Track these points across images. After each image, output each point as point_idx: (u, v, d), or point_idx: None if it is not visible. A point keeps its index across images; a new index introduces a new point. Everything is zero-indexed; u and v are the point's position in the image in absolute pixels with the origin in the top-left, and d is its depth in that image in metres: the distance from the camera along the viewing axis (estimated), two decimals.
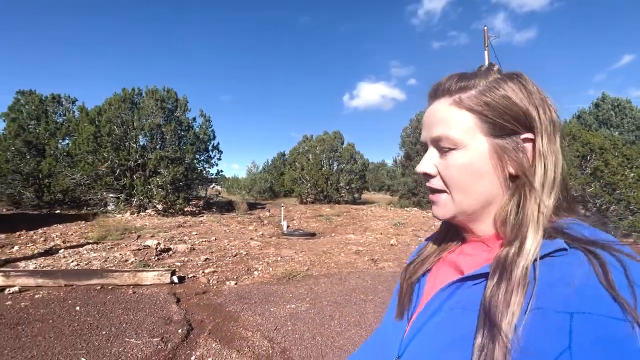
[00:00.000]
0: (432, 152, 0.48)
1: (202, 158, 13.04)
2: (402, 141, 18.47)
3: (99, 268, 4.63)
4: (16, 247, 5.96)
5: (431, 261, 0.55)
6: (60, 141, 11.84)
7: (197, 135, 12.51)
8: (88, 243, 6.37)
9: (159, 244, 5.97)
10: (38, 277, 4.06)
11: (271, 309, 3.56)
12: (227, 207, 15.32)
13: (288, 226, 10.94)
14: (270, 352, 2.65)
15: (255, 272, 4.90)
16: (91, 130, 10.51)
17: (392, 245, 6.99)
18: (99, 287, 4.07)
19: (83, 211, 12.14)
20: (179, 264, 5.30)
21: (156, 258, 5.53)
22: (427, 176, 0.48)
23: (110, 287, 4.10)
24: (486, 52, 14.66)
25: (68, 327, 2.99)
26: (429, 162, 0.48)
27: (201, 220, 10.42)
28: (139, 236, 7.30)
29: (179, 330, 3.00)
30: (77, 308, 3.43)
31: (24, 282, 4.01)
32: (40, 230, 7.42)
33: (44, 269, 4.63)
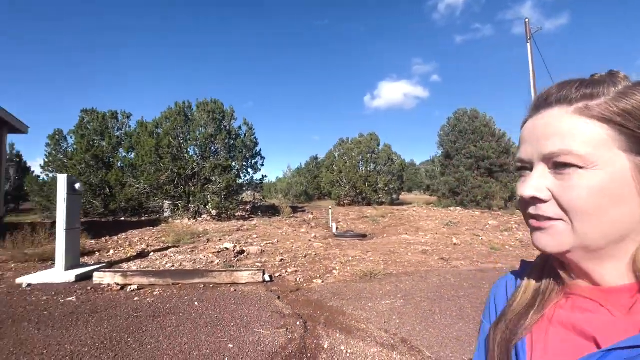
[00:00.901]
0: (541, 171, 0.39)
1: (249, 164, 13.61)
2: (441, 140, 18.21)
3: (199, 269, 5.07)
4: (111, 251, 6.63)
5: (532, 318, 0.42)
6: (125, 154, 12.84)
7: (244, 143, 13.10)
8: (170, 247, 6.93)
9: (235, 246, 6.39)
10: (150, 276, 4.54)
11: (369, 305, 3.78)
12: (271, 210, 15.85)
13: (337, 228, 11.19)
14: (392, 341, 2.86)
15: (335, 272, 5.15)
16: (152, 143, 11.34)
17: (455, 244, 7.01)
18: (203, 286, 4.49)
19: (144, 218, 13.10)
20: (259, 264, 5.67)
21: (236, 259, 5.95)
22: (536, 200, 0.39)
23: (211, 286, 4.51)
24: (529, 45, 14.21)
25: (200, 319, 3.36)
26: (539, 184, 0.38)
27: (255, 224, 10.90)
28: (208, 240, 7.82)
29: (297, 323, 3.28)
30: (196, 303, 3.84)
31: (139, 281, 4.50)
32: (122, 236, 8.15)
33: (147, 269, 5.14)
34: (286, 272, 5.20)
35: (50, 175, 14.18)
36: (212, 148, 12.50)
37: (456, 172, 16.36)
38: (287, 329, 3.13)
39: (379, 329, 3.10)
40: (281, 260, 5.94)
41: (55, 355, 2.66)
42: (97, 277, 4.51)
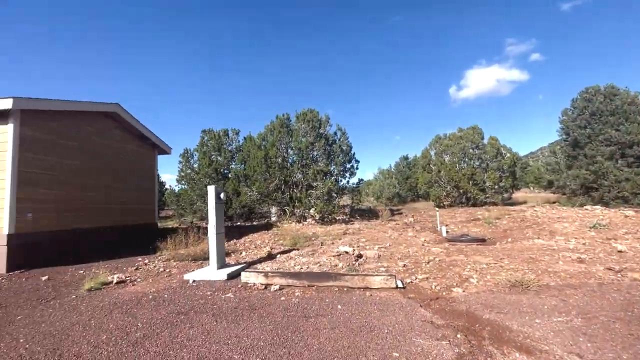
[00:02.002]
0: None
1: (345, 168, 13.79)
2: (565, 126, 15.34)
3: (331, 272, 5.22)
4: (243, 253, 7.43)
5: None
6: (238, 165, 14.48)
7: (340, 147, 13.35)
8: (291, 249, 7.40)
9: (353, 250, 6.44)
10: (288, 277, 4.85)
11: (536, 321, 3.25)
12: (368, 214, 15.74)
13: (447, 231, 10.37)
14: None
15: (472, 280, 4.67)
16: (261, 155, 12.47)
17: (620, 252, 5.67)
18: (337, 289, 4.58)
19: (255, 222, 14.50)
20: (382, 269, 5.55)
21: (357, 263, 5.96)
22: None
23: (345, 289, 4.57)
24: None
25: (350, 323, 3.39)
26: None
27: (358, 228, 10.93)
28: (322, 243, 8.10)
29: (457, 335, 3.02)
30: (339, 307, 3.91)
31: (279, 281, 4.86)
32: (248, 239, 9.09)
33: (279, 270, 5.53)
34: (416, 278, 4.94)
35: (181, 187, 16.96)
36: (312, 155, 13.07)
37: (590, 163, 13.52)
38: (449, 342, 2.89)
39: (568, 352, 2.60)
40: (404, 265, 5.71)
41: (238, 345, 2.98)
42: (244, 277, 5.03)
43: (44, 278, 5.56)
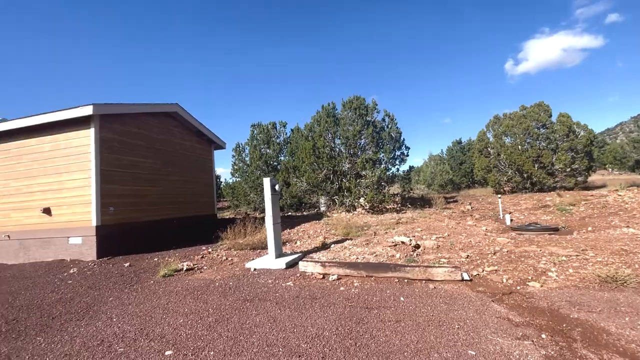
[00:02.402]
0: None
1: (395, 156, 13.32)
2: None
3: (389, 263, 5.10)
4: (298, 242, 7.58)
5: None
6: (287, 157, 14.79)
7: (389, 134, 12.90)
8: (344, 239, 7.38)
9: (410, 240, 6.20)
10: (345, 267, 4.82)
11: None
12: (420, 202, 15.12)
13: (511, 220, 9.55)
14: None
15: (551, 274, 4.21)
16: (309, 146, 12.55)
17: None
18: (397, 280, 4.44)
19: (305, 212, 14.76)
20: (444, 260, 5.27)
21: (415, 254, 5.73)
22: None
23: (405, 280, 4.41)
24: None
25: (416, 317, 3.25)
26: None
27: (412, 217, 10.54)
28: (375, 233, 7.95)
29: (542, 335, 2.73)
30: (402, 299, 3.78)
31: (336, 271, 4.85)
32: (300, 229, 9.28)
33: (335, 260, 5.53)
34: (483, 270, 4.60)
35: (235, 180, 17.85)
36: (360, 143, 12.83)
37: None
38: (532, 342, 2.62)
39: None
40: (467, 256, 5.35)
41: (304, 334, 3.02)
42: (302, 266, 5.11)
43: (126, 264, 6.23)
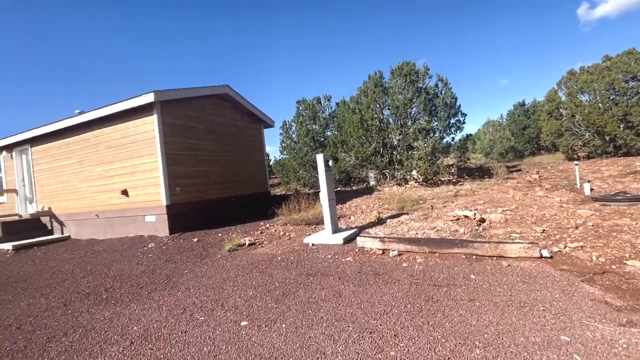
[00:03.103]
0: None
1: (451, 124, 12.38)
2: None
3: (454, 238, 4.84)
4: (352, 217, 7.56)
5: None
6: (334, 132, 14.60)
7: (445, 101, 11.95)
8: (399, 214, 7.17)
9: (475, 214, 5.80)
10: (406, 243, 4.67)
11: None
12: (478, 172, 14.09)
13: (592, 189, 8.45)
14: None
15: None
16: (357, 119, 12.17)
17: None
18: (464, 257, 4.19)
19: (354, 187, 14.64)
20: (515, 235, 4.84)
21: (480, 229, 5.35)
22: None
23: (474, 257, 4.14)
24: None
25: (493, 297, 3.03)
26: None
27: (471, 189, 9.87)
28: (432, 207, 7.59)
29: None
30: (473, 277, 3.55)
31: (397, 247, 4.72)
32: (352, 204, 9.23)
33: (393, 235, 5.39)
34: (565, 247, 4.13)
35: (284, 157, 18.21)
36: (411, 113, 12.12)
37: None
38: None
39: None
40: (543, 231, 4.85)
41: (372, 310, 2.99)
42: (360, 241, 5.07)
43: (194, 240, 6.76)
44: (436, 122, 11.94)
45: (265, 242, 6.17)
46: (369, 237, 5.01)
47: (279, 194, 15.99)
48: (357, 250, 4.96)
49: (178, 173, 7.57)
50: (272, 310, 3.25)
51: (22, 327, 3.50)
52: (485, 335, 2.41)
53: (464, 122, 12.75)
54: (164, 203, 7.16)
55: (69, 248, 7.51)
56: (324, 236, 5.69)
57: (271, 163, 23.52)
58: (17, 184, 10.13)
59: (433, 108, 12.08)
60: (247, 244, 6.07)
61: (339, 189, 14.82)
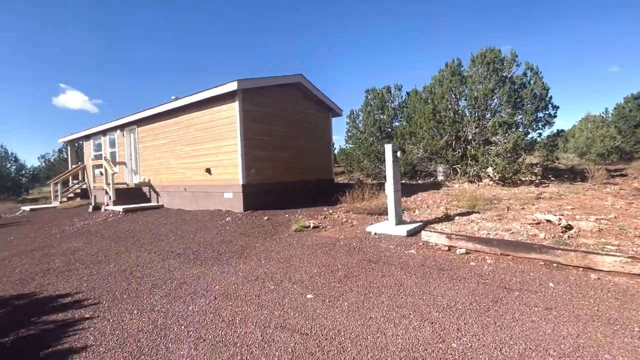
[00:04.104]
0: None
1: (539, 118, 11.02)
2: None
3: (532, 243, 4.48)
4: (416, 211, 7.40)
5: None
6: (403, 122, 14.18)
7: (533, 92, 10.66)
8: (469, 212, 6.79)
9: (560, 219, 5.21)
10: (476, 242, 4.45)
11: None
12: (568, 174, 12.35)
13: None
14: None
15: None
16: (428, 110, 11.61)
17: None
18: (543, 263, 3.86)
19: (419, 181, 14.11)
20: (611, 247, 4.25)
21: (566, 236, 4.80)
22: None
23: (555, 265, 3.78)
24: None
25: (574, 308, 2.78)
26: None
27: (558, 192, 8.77)
28: (508, 208, 7.00)
29: None
30: (551, 285, 3.28)
31: (464, 245, 4.53)
32: (418, 197, 8.98)
33: (461, 233, 5.16)
34: None
35: (349, 146, 18.30)
36: (492, 104, 11.10)
37: None
38: None
39: None
40: None
41: (434, 303, 2.99)
42: (425, 235, 4.98)
43: (265, 218, 7.35)
44: (521, 116, 10.77)
45: (329, 227, 6.43)
46: (435, 232, 4.89)
47: (341, 182, 16.24)
48: (420, 244, 4.89)
49: (254, 156, 8.25)
50: (335, 288, 3.46)
51: (134, 274, 4.32)
52: (562, 346, 2.26)
53: (554, 117, 11.24)
54: (241, 182, 7.90)
55: (162, 215, 8.81)
56: (387, 227, 5.71)
57: (335, 152, 23.85)
58: (126, 158, 12.13)
59: (518, 100, 10.88)
60: (311, 226, 6.41)
61: (403, 181, 14.43)
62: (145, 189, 11.10)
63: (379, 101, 16.56)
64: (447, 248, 4.60)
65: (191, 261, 4.73)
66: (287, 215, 7.58)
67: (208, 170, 8.69)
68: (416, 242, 5.00)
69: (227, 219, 7.39)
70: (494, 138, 10.74)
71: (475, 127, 10.98)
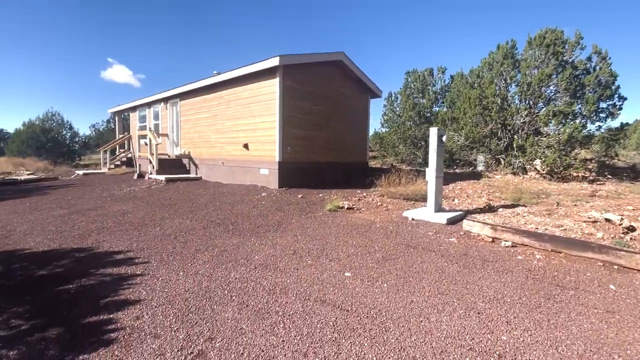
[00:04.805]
0: None
1: (602, 108, 10.00)
2: None
3: (590, 241, 4.15)
4: (456, 200, 7.11)
5: None
6: (445, 107, 13.52)
7: (598, 80, 9.63)
8: (514, 204, 6.41)
9: (622, 219, 4.76)
10: (523, 236, 4.19)
11: None
12: (630, 172, 11.24)
13: None
14: None
15: None
16: (474, 94, 10.91)
17: None
18: (600, 263, 3.56)
19: (457, 170, 13.52)
20: None
21: (628, 238, 4.38)
22: None
23: (615, 267, 3.47)
24: None
25: None
26: None
27: (616, 191, 8.02)
28: (558, 203, 6.51)
29: None
30: (612, 287, 3.02)
31: (510, 237, 4.28)
32: (457, 186, 8.62)
33: (508, 225, 4.88)
34: None
35: (385, 130, 17.83)
36: (547, 91, 10.21)
37: None
38: None
39: None
40: None
41: (480, 293, 2.86)
42: (467, 225, 4.77)
43: (299, 196, 7.41)
44: (580, 105, 9.84)
45: (363, 209, 6.36)
46: (478, 222, 4.66)
47: (373, 166, 15.96)
48: (462, 233, 4.70)
49: (291, 134, 8.25)
50: (373, 269, 3.42)
51: (178, 238, 4.55)
52: (628, 352, 2.08)
53: (620, 109, 10.16)
54: (277, 159, 7.97)
55: (201, 186, 9.17)
56: (426, 213, 5.53)
57: (370, 135, 23.37)
58: (168, 130, 12.66)
59: (579, 87, 9.90)
60: (345, 207, 6.37)
61: None
62: (185, 161, 11.57)
63: (419, 84, 15.84)
64: (490, 239, 4.37)
65: (230, 231, 4.89)
66: (320, 195, 7.59)
67: (246, 146, 8.85)
68: (457, 231, 4.81)
69: (262, 194, 7.54)
70: (545, 128, 9.95)
71: (526, 116, 10.20)
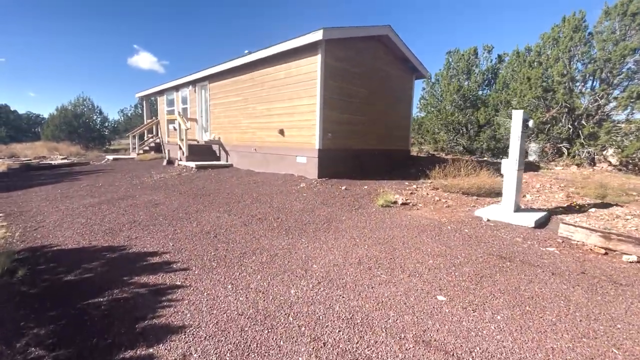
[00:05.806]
0: None
1: None
2: None
3: None
4: (528, 196, 6.13)
5: None
6: (493, 90, 12.20)
7: None
8: (604, 204, 5.38)
9: None
10: None
11: None
12: None
13: None
14: None
15: None
16: (535, 74, 9.60)
17: None
18: None
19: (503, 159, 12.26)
20: None
21: None
22: None
23: None
24: None
25: None
26: None
27: None
28: None
29: None
30: None
31: (632, 250, 3.37)
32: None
33: (624, 233, 3.93)
34: None
35: (423, 115, 16.60)
36: (626, 69, 8.77)
37: None
38: None
39: None
40: None
41: (637, 335, 2.04)
42: (565, 230, 3.87)
43: (342, 187, 6.68)
44: None
45: (420, 205, 5.55)
46: (581, 227, 3.75)
47: (413, 154, 14.93)
48: (559, 240, 3.81)
49: (332, 118, 7.46)
50: (470, 291, 2.65)
51: (218, 237, 3.95)
52: None
53: None
54: (317, 147, 7.23)
55: (233, 174, 8.63)
56: (503, 212, 4.65)
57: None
58: (197, 115, 12.19)
59: None
60: (399, 202, 5.58)
61: (485, 158, 12.70)
62: (215, 147, 11.09)
63: (464, 64, 14.43)
64: (603, 251, 3.47)
65: (275, 229, 4.26)
66: (366, 187, 6.82)
67: (281, 132, 8.16)
68: (550, 237, 3.92)
69: (301, 185, 6.87)
70: (623, 114, 8.58)
71: (601, 98, 8.83)
